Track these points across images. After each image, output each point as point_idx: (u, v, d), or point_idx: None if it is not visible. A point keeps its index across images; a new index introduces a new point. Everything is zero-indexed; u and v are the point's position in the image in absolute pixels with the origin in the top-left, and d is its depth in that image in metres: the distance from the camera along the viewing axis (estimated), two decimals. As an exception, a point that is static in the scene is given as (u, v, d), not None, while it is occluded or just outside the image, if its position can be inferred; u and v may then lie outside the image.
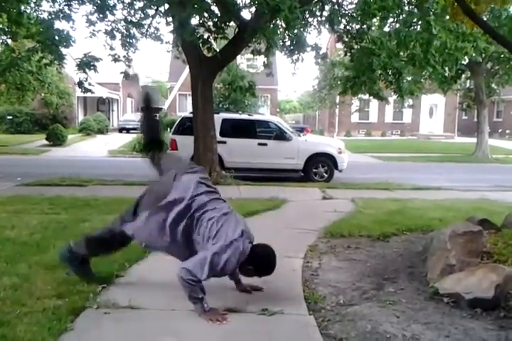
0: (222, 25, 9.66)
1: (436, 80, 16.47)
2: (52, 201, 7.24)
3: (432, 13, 8.87)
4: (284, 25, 9.59)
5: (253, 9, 9.66)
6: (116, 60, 10.03)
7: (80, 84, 9.68)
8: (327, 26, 10.84)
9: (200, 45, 9.87)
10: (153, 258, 4.40)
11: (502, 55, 16.72)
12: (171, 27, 9.19)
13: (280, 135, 11.91)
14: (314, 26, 11.14)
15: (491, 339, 2.92)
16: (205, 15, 9.06)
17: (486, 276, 3.44)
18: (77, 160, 16.70)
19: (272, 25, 9.24)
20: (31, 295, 3.36)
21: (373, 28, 10.96)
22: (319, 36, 25.27)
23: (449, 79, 16.71)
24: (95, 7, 9.04)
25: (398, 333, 2.96)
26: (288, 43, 10.99)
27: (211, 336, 2.91)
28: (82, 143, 23.98)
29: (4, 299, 3.27)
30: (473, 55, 13.08)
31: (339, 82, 18.20)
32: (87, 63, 9.19)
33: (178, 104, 35.24)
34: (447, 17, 8.20)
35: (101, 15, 9.12)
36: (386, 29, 10.91)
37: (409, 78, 12.17)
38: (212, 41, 10.00)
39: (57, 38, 8.91)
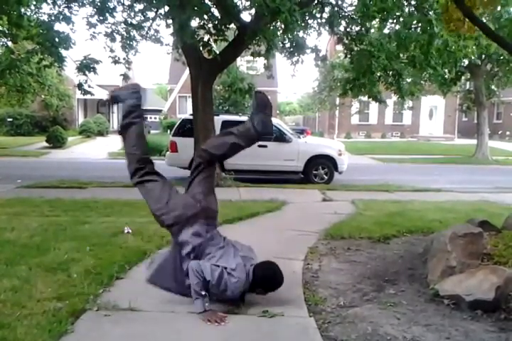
0: (222, 27, 9.66)
1: (436, 82, 16.50)
2: (52, 203, 7.24)
3: (433, 12, 8.86)
4: (283, 27, 9.60)
5: (253, 11, 9.67)
6: (116, 62, 10.03)
7: (80, 86, 9.68)
8: (327, 28, 10.84)
9: (201, 47, 9.88)
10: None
11: (501, 57, 16.73)
12: (171, 29, 9.20)
13: (280, 137, 11.90)
14: (314, 28, 11.14)
15: (492, 341, 2.91)
16: (205, 17, 9.06)
17: (486, 278, 3.44)
18: (77, 162, 16.71)
19: (271, 27, 9.25)
20: (31, 297, 3.36)
21: (373, 30, 10.98)
22: (319, 38, 25.37)
23: (448, 81, 16.73)
24: (95, 9, 9.05)
25: (399, 335, 2.96)
26: (288, 45, 10.99)
27: (211, 338, 2.91)
28: (82, 145, 24.00)
29: (4, 301, 3.27)
30: (474, 56, 13.09)
31: (339, 84, 18.23)
32: (87, 65, 9.20)
33: (178, 106, 35.28)
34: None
35: (101, 18, 9.12)
36: (386, 31, 10.93)
37: (409, 80, 12.18)
38: (213, 43, 10.01)
39: (57, 39, 8.92)
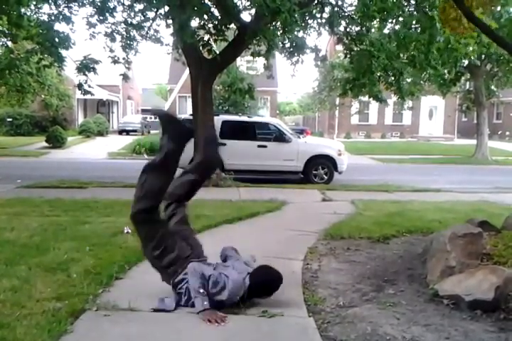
0: (222, 27, 9.66)
1: (436, 83, 16.50)
2: (52, 203, 7.24)
3: (436, 10, 8.85)
4: (283, 28, 9.60)
5: (253, 11, 9.68)
6: (116, 62, 10.03)
7: (80, 86, 9.69)
8: (327, 28, 10.85)
9: (201, 47, 9.88)
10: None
11: (501, 57, 16.73)
12: (171, 29, 9.21)
13: (280, 137, 11.91)
14: (314, 28, 11.15)
15: (491, 341, 2.92)
16: (205, 17, 9.06)
17: (485, 278, 3.44)
18: (76, 162, 16.70)
19: (272, 27, 9.25)
20: (31, 297, 3.36)
21: (373, 30, 10.97)
22: (319, 38, 25.37)
23: (448, 82, 16.73)
24: (95, 9, 9.05)
25: (398, 335, 2.96)
26: (288, 45, 11.00)
27: (211, 338, 2.91)
28: (81, 145, 23.99)
29: (4, 301, 3.27)
30: (474, 56, 13.08)
31: (339, 84, 18.24)
32: (86, 65, 9.20)
33: (178, 106, 35.26)
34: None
35: (101, 18, 9.12)
36: (386, 31, 10.93)
37: (409, 80, 12.17)
38: (213, 43, 10.01)
39: (57, 39, 8.92)
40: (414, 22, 9.81)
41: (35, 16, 9.98)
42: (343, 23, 10.75)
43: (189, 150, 11.98)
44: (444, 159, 20.00)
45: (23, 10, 9.37)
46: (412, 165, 17.94)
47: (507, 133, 34.62)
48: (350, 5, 10.97)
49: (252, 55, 10.75)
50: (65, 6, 9.17)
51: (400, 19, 9.84)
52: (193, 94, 10.59)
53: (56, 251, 4.51)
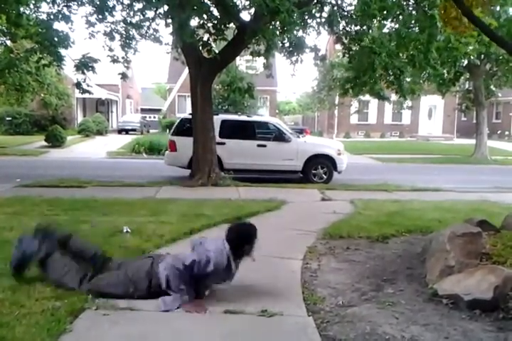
0: (222, 26, 9.66)
1: (435, 82, 16.50)
2: (51, 202, 7.23)
3: (436, 9, 8.84)
4: (282, 28, 9.60)
5: (252, 11, 9.68)
6: (115, 61, 10.02)
7: (78, 85, 9.67)
8: (326, 28, 10.84)
9: (200, 46, 9.87)
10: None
11: (501, 57, 16.74)
12: (170, 28, 9.20)
13: (279, 136, 11.91)
14: (313, 28, 11.14)
15: (490, 341, 2.92)
16: (205, 16, 9.06)
17: (484, 278, 3.44)
18: (76, 161, 16.69)
19: (271, 27, 9.25)
20: (30, 296, 3.35)
21: (371, 31, 10.95)
22: (318, 37, 25.36)
23: (447, 82, 16.73)
24: (94, 8, 9.04)
25: (397, 334, 2.96)
26: (287, 45, 10.99)
27: (210, 337, 2.91)
28: (81, 144, 23.97)
29: (3, 300, 3.26)
30: (473, 56, 13.08)
31: (338, 83, 18.23)
32: (85, 64, 9.18)
33: (178, 105, 35.28)
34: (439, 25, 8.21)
35: (100, 17, 9.11)
36: (385, 30, 10.92)
37: (408, 79, 12.16)
38: (212, 43, 10.00)
39: (56, 39, 8.90)
40: (413, 21, 9.81)
41: (34, 15, 9.98)
42: (343, 22, 10.75)
43: (188, 150, 11.99)
44: (443, 158, 20.01)
45: (22, 9, 9.37)
46: (411, 164, 17.94)
47: (506, 132, 34.65)
48: (350, 4, 10.97)
49: (252, 54, 10.75)
50: (64, 5, 9.16)
51: (400, 18, 9.81)
52: (193, 94, 10.59)
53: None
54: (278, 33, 9.66)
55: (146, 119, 37.62)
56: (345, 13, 10.68)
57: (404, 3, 9.75)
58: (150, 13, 9.59)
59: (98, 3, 8.89)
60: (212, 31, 9.73)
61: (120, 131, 33.26)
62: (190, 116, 11.17)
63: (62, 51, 9.38)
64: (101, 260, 3.65)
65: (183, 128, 11.64)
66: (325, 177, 11.75)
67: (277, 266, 4.38)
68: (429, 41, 9.24)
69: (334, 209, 7.23)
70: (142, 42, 11.23)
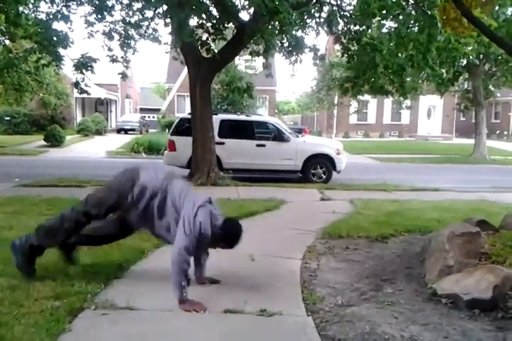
0: (221, 26, 9.66)
1: (434, 82, 16.50)
2: (50, 202, 7.22)
3: (435, 8, 8.84)
4: (280, 28, 9.60)
5: (251, 10, 9.68)
6: (114, 60, 10.02)
7: (77, 84, 9.67)
8: (325, 28, 10.85)
9: (199, 46, 9.87)
10: (151, 259, 4.40)
11: (500, 57, 16.75)
12: (169, 28, 9.20)
13: (278, 136, 11.91)
14: (312, 28, 11.15)
15: (489, 340, 2.92)
16: (204, 16, 9.05)
17: (484, 277, 3.44)
18: (75, 161, 16.68)
19: (270, 27, 9.25)
20: (29, 296, 3.35)
21: (370, 31, 10.96)
22: (317, 37, 25.38)
23: (446, 81, 16.74)
24: (93, 8, 9.04)
25: (396, 334, 2.96)
26: (286, 45, 11.00)
27: (210, 336, 2.91)
28: (80, 143, 23.96)
29: (2, 300, 3.26)
30: (472, 56, 13.07)
31: (337, 83, 18.24)
32: (84, 64, 9.18)
33: (177, 105, 35.27)
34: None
35: (99, 16, 9.11)
36: (384, 30, 10.91)
37: (408, 79, 12.15)
38: (211, 42, 10.01)
39: (55, 38, 8.90)
40: (412, 21, 9.81)
41: (33, 15, 9.97)
42: (342, 22, 10.75)
43: (187, 150, 11.99)
44: (442, 158, 20.03)
45: (21, 8, 9.36)
46: (410, 164, 17.96)
47: (505, 132, 34.69)
48: (349, 4, 10.98)
49: (251, 54, 10.76)
50: (63, 5, 9.16)
51: (400, 17, 9.81)
52: (192, 93, 10.58)
53: (54, 250, 4.50)
54: (277, 32, 9.66)
55: (145, 119, 37.60)
56: (345, 13, 10.68)
57: (404, 2, 9.74)
58: (149, 13, 9.61)
59: (97, 2, 8.89)
60: (211, 31, 9.73)
61: (119, 131, 33.25)
62: (189, 116, 11.16)
63: (61, 51, 9.38)
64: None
65: (182, 128, 11.64)
66: (324, 176, 11.76)
67: (276, 266, 4.38)
68: (429, 41, 9.24)
69: (333, 209, 7.24)
70: (141, 41, 11.22)
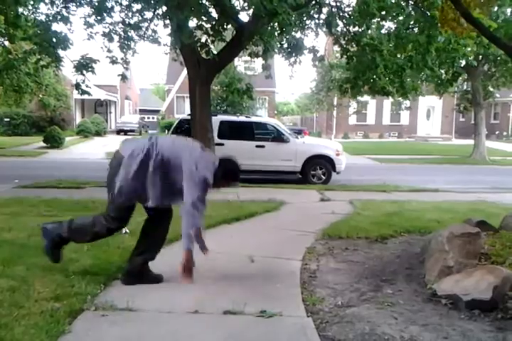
0: (220, 28, 9.66)
1: (433, 83, 16.51)
2: (49, 203, 7.22)
3: (435, 9, 8.86)
4: (280, 29, 9.62)
5: (251, 12, 9.68)
6: (113, 62, 10.03)
7: (78, 86, 9.68)
8: (324, 29, 10.86)
9: (198, 48, 9.88)
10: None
11: (499, 58, 16.77)
12: (168, 29, 9.20)
13: (278, 137, 11.91)
14: (312, 29, 11.16)
15: (489, 341, 2.92)
16: (203, 18, 9.06)
17: (483, 278, 3.44)
18: (74, 162, 16.68)
19: (269, 28, 9.25)
20: (29, 297, 3.35)
21: (370, 32, 10.98)
22: (317, 39, 25.42)
23: (445, 82, 16.76)
24: (93, 9, 9.05)
25: (396, 335, 2.96)
26: (286, 46, 11.00)
27: (209, 338, 2.91)
28: (79, 145, 23.96)
29: (2, 301, 3.26)
30: (471, 57, 13.08)
31: (336, 84, 18.25)
32: (84, 65, 9.19)
33: (176, 106, 35.28)
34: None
35: (99, 18, 9.12)
36: (383, 31, 10.93)
37: (408, 79, 12.16)
38: (210, 44, 10.01)
39: (54, 40, 8.91)
40: (412, 22, 9.82)
41: (32, 16, 9.98)
42: (341, 23, 10.76)
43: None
44: (441, 159, 20.04)
45: (20, 9, 9.37)
46: (409, 165, 17.96)
47: (504, 133, 34.71)
48: (348, 5, 10.99)
49: (250, 55, 10.76)
50: (63, 6, 9.17)
51: (400, 18, 9.83)
52: (191, 95, 10.58)
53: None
54: (276, 34, 9.68)
55: (144, 120, 37.66)
56: (344, 14, 10.69)
57: (404, 3, 9.76)
58: (148, 14, 9.61)
59: (96, 4, 8.90)
60: (211, 32, 9.74)
61: (119, 132, 33.26)
62: (188, 117, 11.16)
63: (61, 52, 9.39)
64: None
65: (182, 129, 11.63)
66: (324, 177, 11.76)
67: (276, 267, 4.38)
68: (428, 42, 9.25)
69: (333, 210, 7.23)
70: (141, 43, 11.24)
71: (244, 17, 10.31)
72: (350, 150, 20.26)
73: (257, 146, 11.72)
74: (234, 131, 11.82)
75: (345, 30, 10.90)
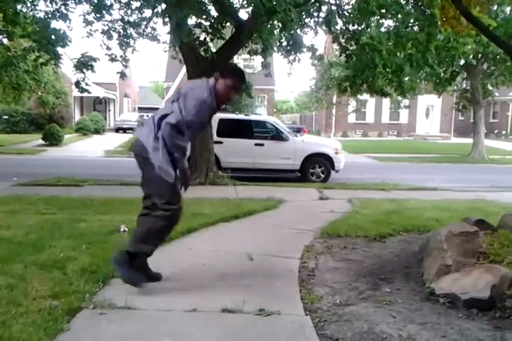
0: (219, 26, 9.66)
1: (431, 82, 16.52)
2: (48, 201, 7.22)
3: (435, 7, 8.85)
4: (280, 26, 9.60)
5: (250, 9, 9.67)
6: (113, 59, 10.01)
7: (78, 84, 9.67)
8: (324, 27, 10.84)
9: (197, 45, 9.87)
10: (149, 258, 4.39)
11: (498, 56, 16.77)
12: (168, 27, 9.19)
13: (277, 135, 11.91)
14: (311, 27, 11.15)
15: (487, 340, 2.92)
16: (202, 15, 9.05)
17: (481, 277, 3.45)
18: (73, 160, 16.67)
19: (268, 26, 9.24)
20: (27, 295, 3.34)
21: (369, 30, 10.97)
22: (316, 37, 25.39)
23: (443, 81, 16.77)
24: (92, 7, 9.03)
25: (394, 333, 2.96)
26: (285, 44, 10.99)
27: (208, 336, 2.91)
28: (78, 143, 23.94)
29: (0, 299, 3.26)
30: (470, 56, 13.09)
31: (336, 82, 18.25)
32: (84, 63, 9.18)
33: (175, 104, 35.19)
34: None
35: (98, 15, 9.10)
36: (383, 30, 10.92)
37: (406, 78, 12.18)
38: (209, 42, 10.00)
39: (53, 37, 8.88)
40: (411, 20, 9.81)
41: (31, 13, 9.95)
42: (340, 21, 10.76)
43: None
44: (440, 158, 20.06)
45: (19, 6, 9.34)
46: (408, 163, 17.98)
47: (503, 132, 34.73)
48: (348, 3, 10.98)
49: (249, 53, 10.75)
50: (62, 3, 9.14)
51: (399, 16, 9.82)
52: (190, 92, 10.55)
53: (52, 249, 4.50)
54: (278, 30, 9.66)
55: (143, 118, 37.54)
56: (343, 12, 10.68)
57: (403, 1, 9.75)
58: (148, 12, 9.60)
59: (96, 1, 8.88)
60: (210, 30, 9.73)
61: (117, 130, 33.24)
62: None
63: (60, 49, 9.37)
64: None
65: (181, 127, 11.61)
66: (322, 176, 11.77)
67: (275, 265, 4.38)
68: (428, 40, 9.24)
69: (332, 208, 7.23)
70: (140, 40, 11.25)
71: (243, 15, 10.31)
72: (349, 148, 20.27)
73: (256, 144, 11.73)
74: (233, 129, 11.82)
75: (344, 28, 10.89)
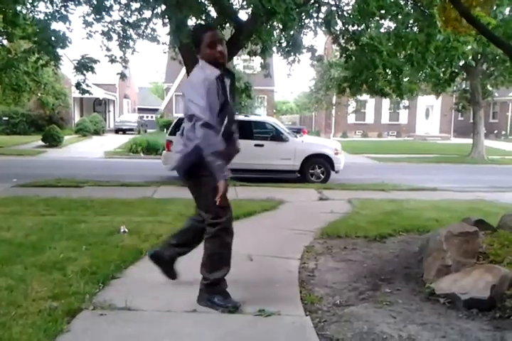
0: (218, 26, 9.66)
1: (431, 82, 16.53)
2: (48, 202, 7.22)
3: (434, 8, 8.86)
4: (280, 26, 9.61)
5: (249, 10, 9.69)
6: (112, 60, 10.02)
7: (78, 85, 9.68)
8: (323, 28, 10.85)
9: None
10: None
11: (497, 57, 16.78)
12: (167, 28, 9.20)
13: (277, 136, 11.91)
14: (310, 28, 11.16)
15: (487, 340, 2.92)
16: (202, 16, 9.06)
17: (481, 277, 3.45)
18: (73, 161, 16.67)
19: (268, 26, 9.25)
20: (27, 296, 3.34)
21: (369, 31, 10.98)
22: (315, 38, 25.40)
23: (442, 82, 16.78)
24: (92, 8, 9.05)
25: (394, 334, 2.96)
26: (284, 44, 11.00)
27: (208, 337, 2.91)
28: (78, 144, 23.94)
29: (0, 300, 3.26)
30: (470, 56, 13.10)
31: (335, 83, 18.27)
32: (84, 65, 9.19)
33: (175, 105, 35.30)
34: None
35: (97, 16, 9.12)
36: (382, 30, 10.93)
37: (405, 79, 12.19)
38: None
39: (53, 38, 8.90)
40: (411, 21, 9.83)
41: (31, 15, 9.96)
42: (340, 22, 10.77)
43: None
44: (440, 158, 20.06)
45: (18, 8, 9.35)
46: (408, 164, 17.98)
47: (503, 132, 34.74)
48: (347, 4, 10.99)
49: (249, 54, 10.75)
50: (62, 5, 9.16)
51: (399, 17, 9.83)
52: (190, 93, 10.57)
53: (52, 250, 4.50)
54: (275, 32, 9.68)
55: (143, 119, 37.61)
56: (343, 13, 10.69)
57: (403, 2, 9.76)
58: (147, 13, 9.62)
59: (95, 2, 8.90)
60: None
61: (117, 131, 33.24)
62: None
63: (60, 51, 9.38)
64: None
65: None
66: (322, 176, 11.76)
67: (274, 266, 4.38)
68: (427, 41, 9.25)
69: (331, 209, 7.23)
70: (140, 41, 11.27)
71: (242, 16, 10.32)
72: (349, 149, 20.27)
73: (255, 145, 11.72)
74: (232, 129, 11.80)
75: (344, 29, 10.90)
